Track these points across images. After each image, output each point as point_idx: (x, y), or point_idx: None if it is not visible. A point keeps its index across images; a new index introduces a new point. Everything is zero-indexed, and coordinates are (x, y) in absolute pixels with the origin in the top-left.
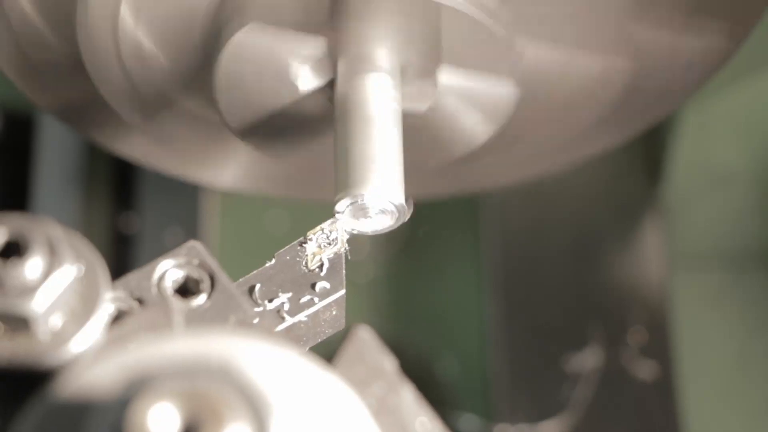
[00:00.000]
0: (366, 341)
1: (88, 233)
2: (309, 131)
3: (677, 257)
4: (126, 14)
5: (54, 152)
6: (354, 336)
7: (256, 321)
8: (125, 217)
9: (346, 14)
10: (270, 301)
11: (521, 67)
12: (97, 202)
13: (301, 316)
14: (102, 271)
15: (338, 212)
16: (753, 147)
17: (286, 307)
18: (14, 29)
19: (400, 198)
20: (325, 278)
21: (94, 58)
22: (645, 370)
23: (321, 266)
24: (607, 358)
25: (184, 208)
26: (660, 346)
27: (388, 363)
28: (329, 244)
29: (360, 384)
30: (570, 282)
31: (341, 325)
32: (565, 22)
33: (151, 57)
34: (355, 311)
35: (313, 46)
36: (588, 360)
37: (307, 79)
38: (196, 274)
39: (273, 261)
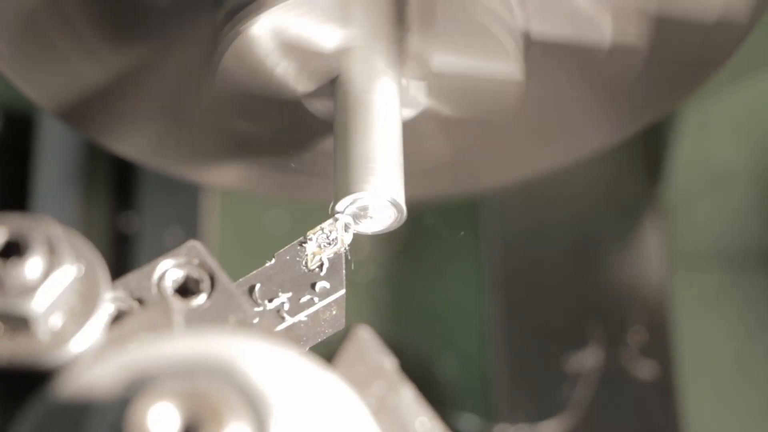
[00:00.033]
0: (366, 341)
1: (88, 233)
2: (310, 131)
3: (677, 257)
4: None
5: (54, 152)
6: (354, 336)
7: (256, 321)
8: (125, 216)
9: (348, 16)
10: (270, 300)
11: (525, 58)
12: (97, 201)
13: (301, 316)
14: (102, 271)
15: (338, 212)
16: (753, 147)
17: (286, 306)
18: (14, 29)
19: (400, 198)
20: (325, 278)
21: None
22: (645, 370)
23: (321, 266)
24: (607, 358)
25: (184, 208)
26: (660, 346)
27: (388, 363)
28: (329, 243)
29: (360, 384)
30: (570, 282)
31: (341, 324)
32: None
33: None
34: (355, 311)
35: (314, 47)
36: (588, 360)
37: (307, 79)
38: (196, 273)
39: (273, 261)
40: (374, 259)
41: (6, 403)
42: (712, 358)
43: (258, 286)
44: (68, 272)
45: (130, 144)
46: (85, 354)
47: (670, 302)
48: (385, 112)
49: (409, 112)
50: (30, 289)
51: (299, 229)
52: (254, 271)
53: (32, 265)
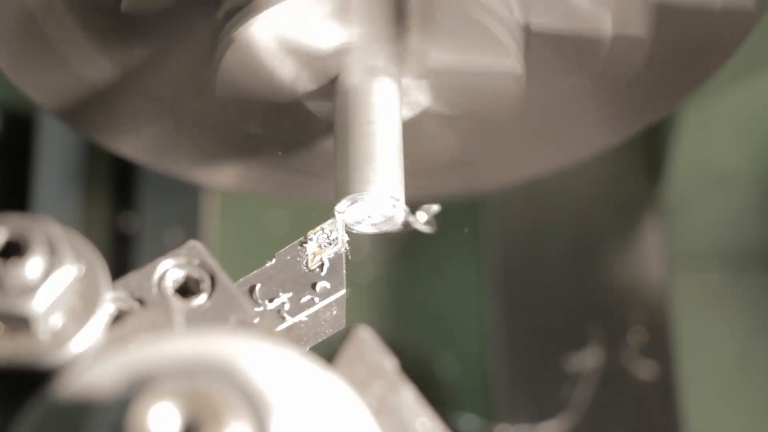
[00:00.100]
0: (366, 341)
1: (88, 233)
2: (310, 131)
3: (677, 257)
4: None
5: (54, 152)
6: (354, 336)
7: (256, 321)
8: (125, 216)
9: (348, 16)
10: (270, 300)
11: (525, 56)
12: (97, 201)
13: (302, 316)
14: (102, 271)
15: (339, 212)
16: (753, 147)
17: (287, 307)
18: (14, 29)
19: (400, 198)
20: (326, 278)
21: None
22: (645, 370)
23: (321, 266)
24: (607, 358)
25: (184, 208)
26: (660, 346)
27: (389, 363)
28: (330, 244)
29: (360, 384)
30: (570, 282)
31: (342, 325)
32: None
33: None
34: (355, 311)
35: (314, 46)
36: (588, 360)
37: (307, 79)
38: (196, 274)
39: (273, 261)
40: (374, 259)
41: (6, 403)
42: (713, 358)
43: (258, 286)
44: (68, 272)
45: (130, 144)
46: (86, 354)
47: (670, 302)
48: (385, 112)
49: (410, 112)
50: (30, 289)
51: (299, 229)
52: (255, 271)
53: (32, 265)
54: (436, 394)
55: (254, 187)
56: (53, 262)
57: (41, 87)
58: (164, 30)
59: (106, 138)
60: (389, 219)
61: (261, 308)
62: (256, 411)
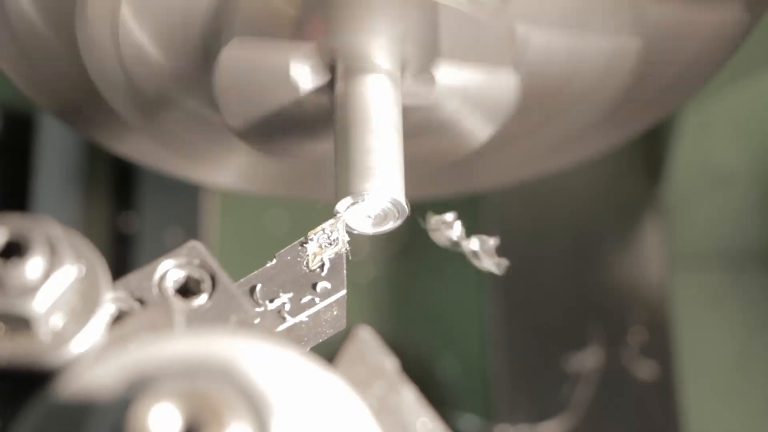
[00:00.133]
0: (367, 341)
1: (88, 233)
2: (309, 131)
3: (677, 257)
4: (126, 14)
5: (54, 152)
6: (355, 336)
7: (257, 321)
8: (125, 216)
9: (343, 15)
10: (271, 301)
11: (526, 59)
12: (97, 201)
13: (302, 317)
14: (103, 271)
15: (339, 212)
16: (753, 147)
17: (287, 307)
18: (14, 29)
19: (400, 198)
20: (326, 278)
21: (94, 58)
22: (645, 370)
23: (322, 266)
24: (607, 358)
25: (184, 208)
26: (660, 346)
27: (389, 363)
28: (330, 244)
29: (361, 384)
30: (570, 282)
31: (342, 325)
32: (572, 3)
33: (151, 57)
34: (355, 311)
35: (312, 47)
36: (588, 360)
37: (306, 80)
38: (197, 274)
39: (274, 261)
40: (375, 259)
41: (6, 404)
42: (713, 358)
43: (259, 286)
44: (69, 272)
45: (131, 144)
46: (86, 354)
47: (670, 302)
48: (384, 112)
49: (410, 112)
50: (31, 290)
51: (299, 229)
52: (255, 272)
53: (33, 266)
54: (436, 394)
55: (254, 187)
56: (54, 262)
57: (41, 87)
58: (164, 32)
59: (106, 138)
60: (389, 219)
61: (261, 308)
62: (257, 411)
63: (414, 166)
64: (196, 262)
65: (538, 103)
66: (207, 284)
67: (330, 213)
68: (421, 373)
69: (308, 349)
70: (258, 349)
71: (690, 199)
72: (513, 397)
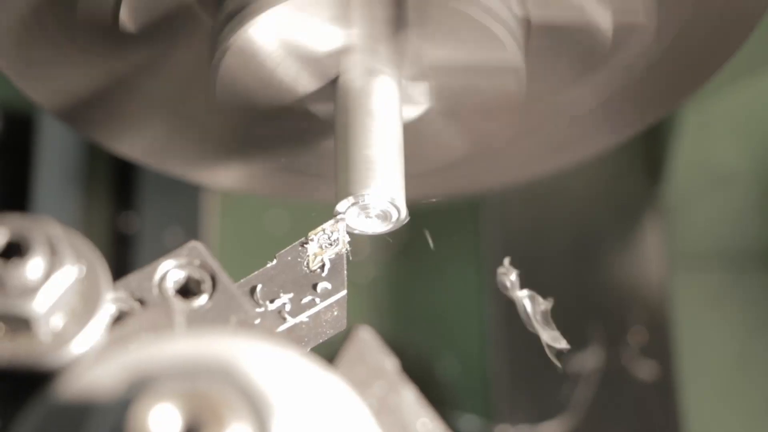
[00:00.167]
0: (367, 342)
1: (89, 233)
2: (310, 132)
3: (677, 257)
4: (124, 12)
5: (54, 152)
6: (355, 336)
7: (257, 321)
8: (125, 217)
9: (348, 16)
10: (271, 301)
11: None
12: (97, 202)
13: (303, 317)
14: (103, 272)
15: (339, 213)
16: (753, 147)
17: (288, 307)
18: (14, 28)
19: (401, 198)
20: (327, 279)
21: (94, 57)
22: (645, 370)
23: (322, 267)
24: (607, 358)
25: (184, 208)
26: (660, 346)
27: (389, 363)
28: (330, 244)
29: (361, 384)
30: (570, 282)
31: (342, 325)
32: None
33: (151, 56)
34: (355, 311)
35: (314, 48)
36: (588, 360)
37: (307, 80)
38: (197, 274)
39: (274, 261)
40: (375, 259)
41: (7, 404)
42: (713, 358)
43: (259, 286)
44: (69, 273)
45: (130, 144)
46: (86, 355)
47: (670, 302)
48: (385, 112)
49: (411, 112)
50: (31, 290)
51: (299, 230)
52: (256, 272)
53: (33, 266)
54: (437, 395)
55: (254, 187)
56: (54, 262)
57: (41, 87)
58: (165, 32)
59: (106, 138)
60: (389, 219)
61: (262, 309)
62: (257, 412)
63: (415, 167)
64: (197, 262)
65: (537, 101)
66: (207, 285)
67: (330, 213)
68: (421, 373)
69: (308, 349)
70: (258, 350)
71: (690, 199)
72: (513, 398)
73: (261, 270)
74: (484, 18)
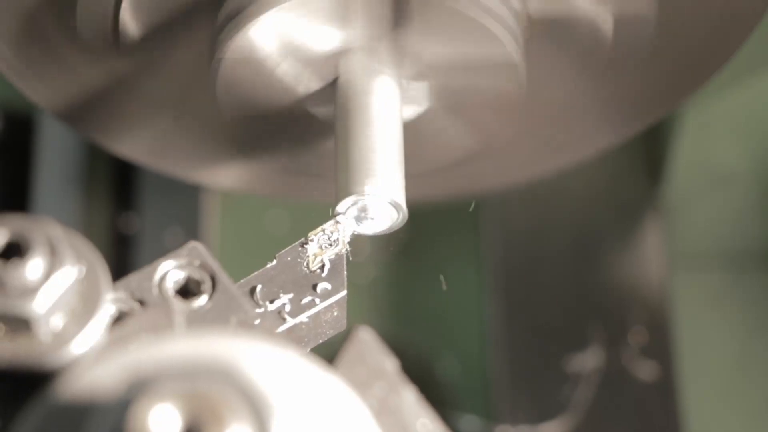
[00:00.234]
0: (367, 342)
1: (88, 233)
2: (310, 132)
3: (677, 257)
4: (125, 13)
5: (54, 152)
6: (355, 337)
7: (257, 322)
8: (125, 217)
9: (347, 16)
10: (271, 302)
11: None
12: (97, 202)
13: (303, 317)
14: (103, 272)
15: (339, 213)
16: (753, 147)
17: (288, 308)
18: (14, 29)
19: (401, 199)
20: (327, 279)
21: (95, 57)
22: (645, 370)
23: (322, 267)
24: (607, 358)
25: (184, 209)
26: (660, 347)
27: (390, 364)
28: (330, 245)
29: (361, 385)
30: (570, 282)
31: (342, 326)
32: None
33: (152, 57)
34: (355, 312)
35: (313, 48)
36: (588, 360)
37: (307, 81)
38: (197, 275)
39: (274, 262)
40: (375, 259)
41: (7, 405)
42: (713, 358)
43: (259, 287)
44: (69, 273)
45: (130, 145)
46: (86, 355)
47: (670, 302)
48: (385, 112)
49: (411, 112)
50: (31, 290)
51: (300, 230)
52: (255, 272)
53: (33, 266)
54: (437, 395)
55: (255, 187)
56: (54, 263)
57: (41, 87)
58: (165, 34)
59: (106, 138)
60: (389, 220)
61: (262, 309)
62: (257, 412)
63: (415, 167)
64: (197, 262)
65: (539, 102)
66: (207, 285)
67: (330, 214)
68: (422, 374)
69: (308, 349)
70: (258, 350)
71: (690, 199)
72: (513, 398)
73: (261, 270)
74: (481, 16)
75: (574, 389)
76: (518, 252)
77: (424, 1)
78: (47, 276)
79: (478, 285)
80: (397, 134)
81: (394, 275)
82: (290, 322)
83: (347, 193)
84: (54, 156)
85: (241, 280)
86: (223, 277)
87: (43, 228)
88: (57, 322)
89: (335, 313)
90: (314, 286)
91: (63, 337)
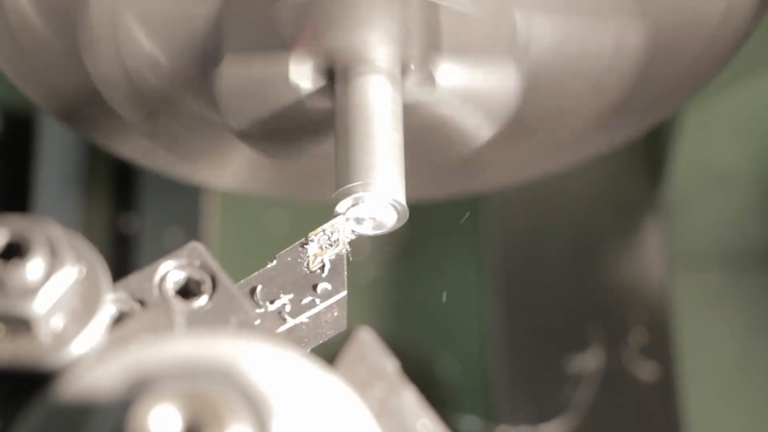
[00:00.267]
0: (367, 343)
1: (89, 234)
2: (310, 132)
3: (677, 257)
4: (128, 19)
5: (54, 152)
6: (355, 337)
7: (257, 322)
8: (125, 217)
9: (341, 18)
10: (271, 302)
11: (527, 57)
12: (97, 202)
13: (303, 318)
14: (103, 273)
15: (339, 213)
16: (753, 147)
17: (288, 308)
18: (15, 30)
19: (401, 199)
20: (327, 279)
21: (96, 59)
22: (646, 370)
23: (322, 267)
24: (607, 358)
25: (184, 209)
26: (661, 347)
27: (390, 365)
28: (331, 245)
29: (361, 386)
30: (570, 282)
31: (343, 326)
32: None
33: (153, 59)
34: (355, 312)
35: (312, 50)
36: (589, 361)
37: (306, 81)
38: (197, 275)
39: (274, 262)
40: (375, 260)
41: (7, 405)
42: (713, 358)
43: (259, 287)
44: (69, 274)
45: (130, 145)
46: (87, 356)
47: (670, 303)
48: (385, 112)
49: (411, 112)
50: (31, 291)
51: (300, 230)
52: (256, 273)
53: (33, 267)
54: (437, 395)
55: (255, 188)
56: (54, 263)
57: (41, 88)
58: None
59: (106, 138)
60: (389, 220)
61: (262, 310)
62: (257, 413)
63: (414, 167)
64: (197, 263)
65: (539, 103)
66: (207, 285)
67: (330, 214)
68: (422, 374)
69: (309, 350)
70: (258, 351)
71: (690, 200)
72: (513, 398)
73: (261, 271)
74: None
75: (575, 389)
76: (518, 252)
77: (425, 2)
78: (47, 276)
79: (478, 285)
80: (397, 134)
81: (394, 275)
82: (290, 322)
83: (347, 194)
84: (54, 156)
85: (242, 281)
86: (223, 278)
87: (43, 228)
88: (57, 322)
89: (335, 314)
90: (314, 287)
91: (63, 338)
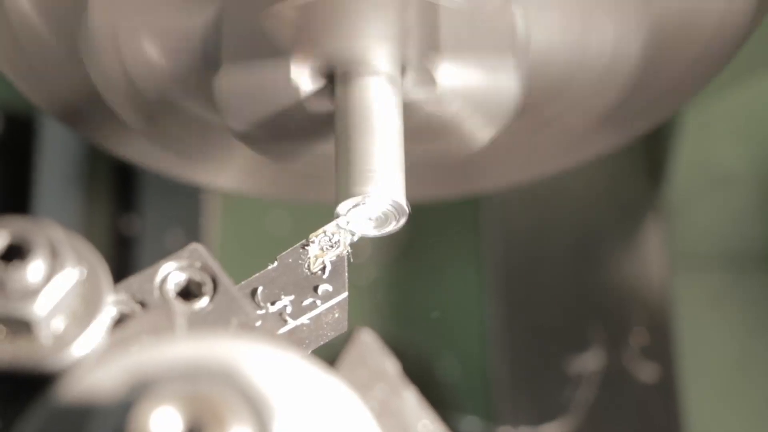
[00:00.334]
0: (368, 344)
1: (89, 235)
2: (310, 134)
3: (678, 258)
4: (128, 24)
5: (55, 153)
6: (356, 339)
7: (258, 324)
8: (126, 218)
9: (340, 19)
10: (272, 303)
11: (528, 58)
12: (98, 203)
13: (304, 319)
14: (104, 274)
15: (340, 214)
16: (753, 147)
17: (289, 309)
18: (15, 32)
19: (401, 200)
20: (328, 281)
21: (96, 62)
22: (646, 371)
23: (323, 269)
24: (608, 359)
25: (185, 210)
26: (661, 347)
27: (391, 366)
28: (331, 246)
29: (362, 387)
30: (571, 283)
31: (344, 327)
32: None
33: (153, 62)
34: (356, 313)
35: (311, 51)
36: (589, 361)
37: (306, 83)
38: (198, 277)
39: (275, 264)
40: (375, 261)
41: (8, 407)
42: (714, 358)
43: (260, 288)
44: (70, 275)
45: (131, 146)
46: (88, 357)
47: (671, 303)
48: (385, 114)
49: (411, 113)
50: (32, 293)
51: (300, 231)
52: (256, 274)
53: (34, 269)
54: (437, 396)
55: (255, 189)
56: (55, 265)
57: (42, 89)
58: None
59: (107, 139)
60: (390, 221)
61: (263, 311)
62: (258, 414)
63: (415, 168)
64: (198, 264)
65: (539, 104)
66: (208, 287)
67: (331, 215)
68: (422, 375)
69: (309, 351)
70: (259, 352)
71: (691, 200)
72: (514, 399)
73: (262, 272)
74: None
75: (575, 390)
76: (518, 252)
77: (425, 2)
78: (48, 278)
79: (478, 285)
80: (397, 135)
81: (394, 276)
82: (291, 323)
83: (348, 195)
84: (55, 157)
85: (242, 282)
86: (224, 279)
87: (44, 230)
88: (58, 324)
89: (336, 315)
90: (315, 288)
91: (64, 340)
